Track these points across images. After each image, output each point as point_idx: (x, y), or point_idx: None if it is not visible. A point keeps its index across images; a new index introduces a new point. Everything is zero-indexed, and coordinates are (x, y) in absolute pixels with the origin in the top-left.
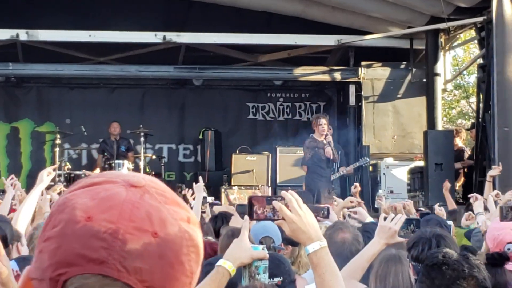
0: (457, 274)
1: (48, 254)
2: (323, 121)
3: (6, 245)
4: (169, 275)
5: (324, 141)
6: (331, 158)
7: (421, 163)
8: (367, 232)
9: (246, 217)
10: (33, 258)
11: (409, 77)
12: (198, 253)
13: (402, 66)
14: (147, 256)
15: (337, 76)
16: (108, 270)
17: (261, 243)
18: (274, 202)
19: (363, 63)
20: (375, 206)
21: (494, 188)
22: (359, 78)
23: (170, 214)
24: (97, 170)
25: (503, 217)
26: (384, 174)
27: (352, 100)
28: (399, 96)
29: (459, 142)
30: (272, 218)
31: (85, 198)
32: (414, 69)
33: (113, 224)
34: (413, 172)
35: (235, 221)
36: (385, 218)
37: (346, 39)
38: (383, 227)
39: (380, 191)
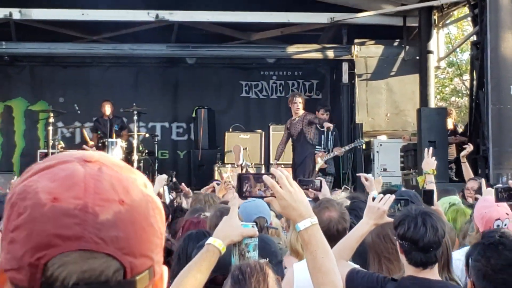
0: None
1: (21, 242)
2: (299, 100)
3: None
4: (143, 238)
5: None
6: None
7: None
8: (354, 210)
9: (236, 194)
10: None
11: (402, 55)
12: (161, 214)
13: (395, 44)
14: (120, 224)
15: (330, 54)
16: (86, 244)
17: (255, 223)
18: (265, 178)
19: (356, 40)
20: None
21: (477, 167)
22: (352, 56)
23: (130, 181)
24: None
25: (498, 198)
26: (377, 152)
27: (345, 78)
28: (392, 73)
29: (450, 122)
30: (262, 195)
31: (44, 181)
32: (407, 47)
33: (81, 199)
34: (406, 149)
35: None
36: (373, 199)
37: (339, 16)
38: (371, 207)
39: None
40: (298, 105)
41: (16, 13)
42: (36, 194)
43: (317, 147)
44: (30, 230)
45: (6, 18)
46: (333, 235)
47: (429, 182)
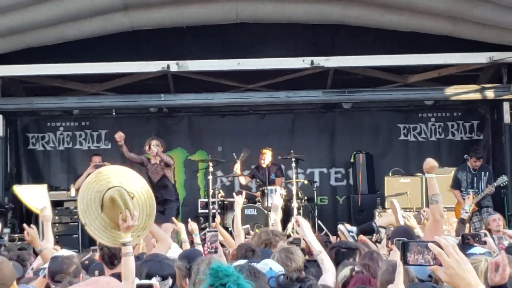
0: None
1: None
2: (153, 142)
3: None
4: None
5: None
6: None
7: None
8: None
9: (400, 262)
10: None
11: None
12: None
13: None
14: None
15: (490, 94)
16: None
17: (430, 276)
18: (431, 246)
19: None
20: None
21: None
22: None
23: None
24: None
25: None
26: None
27: (506, 118)
28: None
29: None
30: (427, 263)
31: None
32: None
33: None
34: None
35: (394, 255)
36: None
37: (498, 56)
38: None
39: None
40: (153, 149)
41: (174, 66)
42: None
43: (469, 190)
44: None
45: (164, 71)
46: None
47: None
